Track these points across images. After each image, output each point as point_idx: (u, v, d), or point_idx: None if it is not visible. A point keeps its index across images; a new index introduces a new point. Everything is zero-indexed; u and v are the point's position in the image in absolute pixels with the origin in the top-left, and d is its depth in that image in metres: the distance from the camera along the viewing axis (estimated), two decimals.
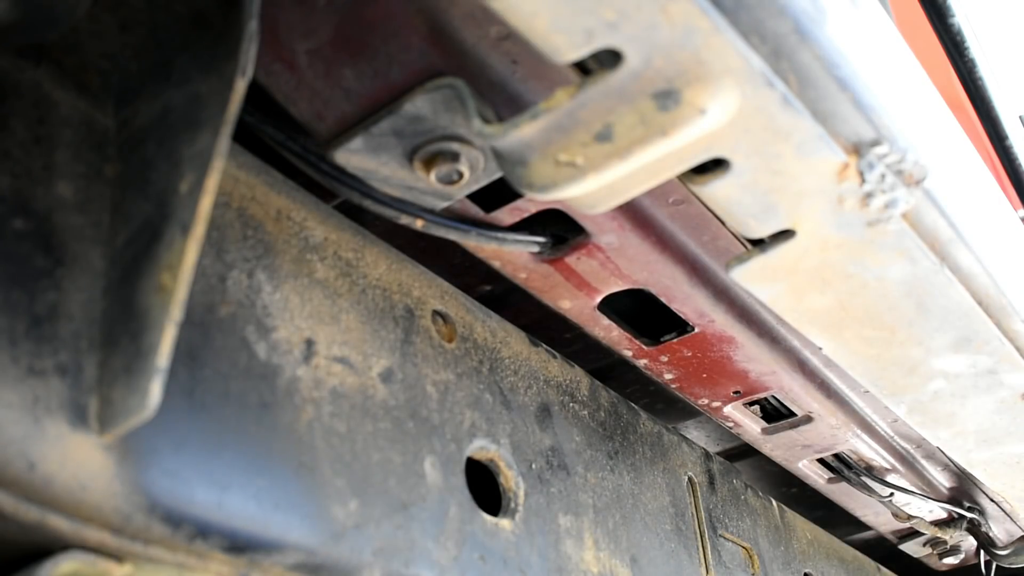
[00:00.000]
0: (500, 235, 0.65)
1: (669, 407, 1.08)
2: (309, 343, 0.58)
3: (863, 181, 0.49)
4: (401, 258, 0.69)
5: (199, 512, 0.48)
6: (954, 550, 1.40)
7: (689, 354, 0.84)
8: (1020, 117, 1.28)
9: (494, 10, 0.38)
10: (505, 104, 0.51)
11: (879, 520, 1.31)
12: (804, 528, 1.24)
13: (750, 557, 1.07)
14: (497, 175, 0.56)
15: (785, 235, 0.54)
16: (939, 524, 1.30)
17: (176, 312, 0.41)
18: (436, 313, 0.71)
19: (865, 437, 1.03)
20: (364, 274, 0.65)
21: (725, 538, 1.00)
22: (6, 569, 0.45)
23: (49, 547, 0.45)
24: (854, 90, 0.45)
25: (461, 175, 0.55)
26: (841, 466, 1.13)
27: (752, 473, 1.30)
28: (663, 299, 0.75)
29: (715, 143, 0.46)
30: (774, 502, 1.17)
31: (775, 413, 1.02)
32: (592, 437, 0.83)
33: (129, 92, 0.51)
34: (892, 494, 1.18)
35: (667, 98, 0.41)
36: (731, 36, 0.39)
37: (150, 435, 0.47)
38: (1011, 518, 1.28)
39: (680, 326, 0.80)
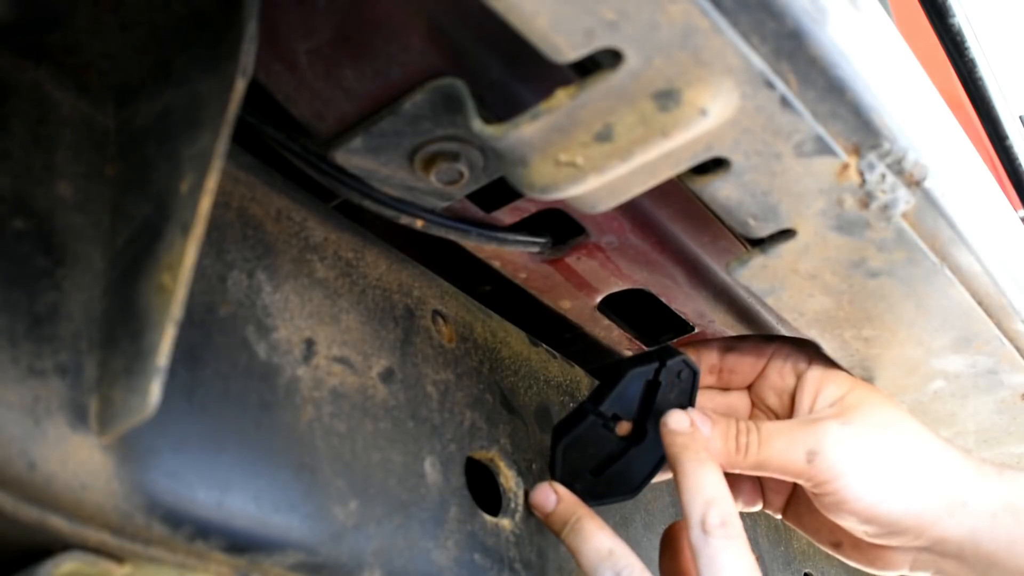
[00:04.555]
0: (500, 235, 0.65)
1: None
2: (309, 343, 0.58)
3: (863, 181, 0.49)
4: (401, 258, 0.69)
5: (199, 512, 0.48)
6: None
7: None
8: (1020, 117, 1.28)
9: (494, 10, 0.38)
10: (505, 104, 0.51)
11: None
12: None
13: None
14: (497, 175, 0.56)
15: (785, 235, 0.54)
16: None
17: (176, 312, 0.41)
18: (436, 313, 0.71)
19: None
20: (364, 274, 0.65)
21: None
22: (6, 569, 0.45)
23: (49, 547, 0.45)
24: (854, 90, 0.45)
25: (461, 175, 0.55)
26: None
27: None
28: (663, 299, 0.75)
29: (715, 143, 0.46)
30: None
31: None
32: None
33: (129, 92, 0.51)
34: None
35: (667, 98, 0.41)
36: (731, 36, 0.39)
37: (150, 435, 0.47)
38: None
39: (680, 326, 0.80)
